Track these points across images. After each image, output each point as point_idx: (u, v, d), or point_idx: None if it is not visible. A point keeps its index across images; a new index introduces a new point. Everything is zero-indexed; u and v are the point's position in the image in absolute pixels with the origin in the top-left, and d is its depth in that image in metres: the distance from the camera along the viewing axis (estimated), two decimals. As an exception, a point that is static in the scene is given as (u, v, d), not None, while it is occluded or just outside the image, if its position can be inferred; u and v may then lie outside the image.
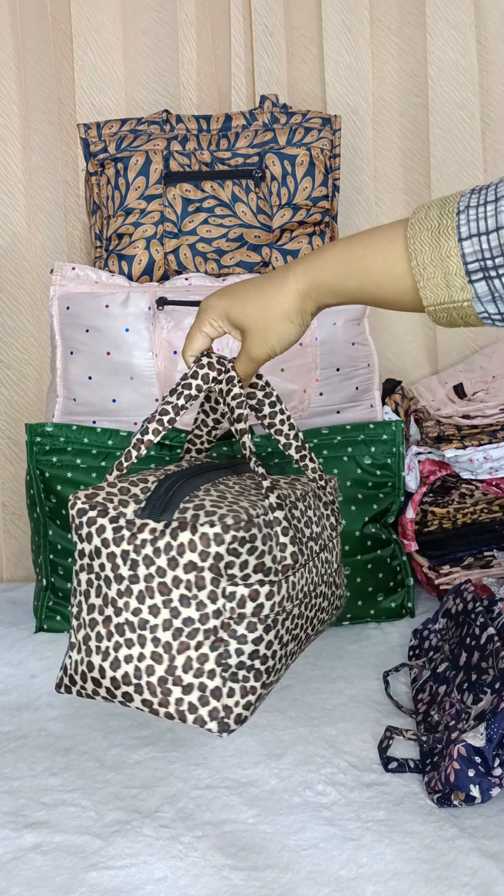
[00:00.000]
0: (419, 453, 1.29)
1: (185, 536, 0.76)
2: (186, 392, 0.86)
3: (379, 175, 1.55)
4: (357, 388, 1.30)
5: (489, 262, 0.74)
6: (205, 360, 0.88)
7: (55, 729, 1.02)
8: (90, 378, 1.26)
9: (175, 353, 1.24)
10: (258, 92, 1.50)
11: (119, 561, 0.78)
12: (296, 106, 1.52)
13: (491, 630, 0.97)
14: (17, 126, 1.49)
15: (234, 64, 1.50)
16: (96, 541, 0.79)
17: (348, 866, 0.80)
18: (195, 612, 0.76)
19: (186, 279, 1.30)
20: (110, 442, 1.21)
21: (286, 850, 0.82)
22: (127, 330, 1.25)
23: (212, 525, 0.76)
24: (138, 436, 0.86)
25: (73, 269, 1.29)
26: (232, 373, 0.87)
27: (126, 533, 0.78)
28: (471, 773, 0.84)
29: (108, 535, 0.79)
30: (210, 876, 0.79)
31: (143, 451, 0.86)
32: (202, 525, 0.76)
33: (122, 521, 0.79)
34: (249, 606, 0.77)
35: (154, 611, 0.77)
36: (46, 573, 1.23)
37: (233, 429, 0.86)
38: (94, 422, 1.26)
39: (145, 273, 1.32)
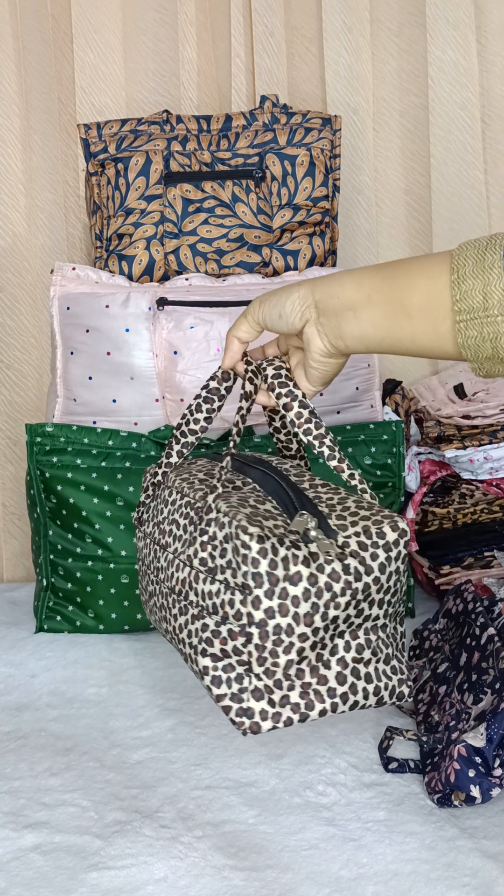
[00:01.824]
0: (419, 453, 1.29)
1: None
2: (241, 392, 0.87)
3: (379, 175, 1.55)
4: (357, 389, 1.30)
5: None
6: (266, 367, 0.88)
7: (55, 729, 1.02)
8: (90, 378, 1.26)
9: (175, 353, 1.24)
10: (258, 92, 1.50)
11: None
12: (296, 106, 1.52)
13: (491, 630, 0.97)
14: (17, 126, 1.49)
15: (234, 64, 1.50)
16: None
17: (349, 866, 0.80)
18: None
19: (187, 279, 1.30)
20: (110, 442, 1.21)
21: (286, 851, 0.82)
22: (127, 330, 1.25)
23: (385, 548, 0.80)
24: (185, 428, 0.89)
25: (74, 269, 1.29)
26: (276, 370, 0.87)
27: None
28: (471, 773, 0.84)
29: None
30: (210, 876, 0.79)
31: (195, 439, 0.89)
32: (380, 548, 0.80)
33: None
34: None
35: None
36: (46, 573, 1.23)
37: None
38: (94, 422, 1.26)
39: (145, 273, 1.32)
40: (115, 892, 0.78)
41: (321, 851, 0.82)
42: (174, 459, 0.91)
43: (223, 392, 0.89)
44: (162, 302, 1.25)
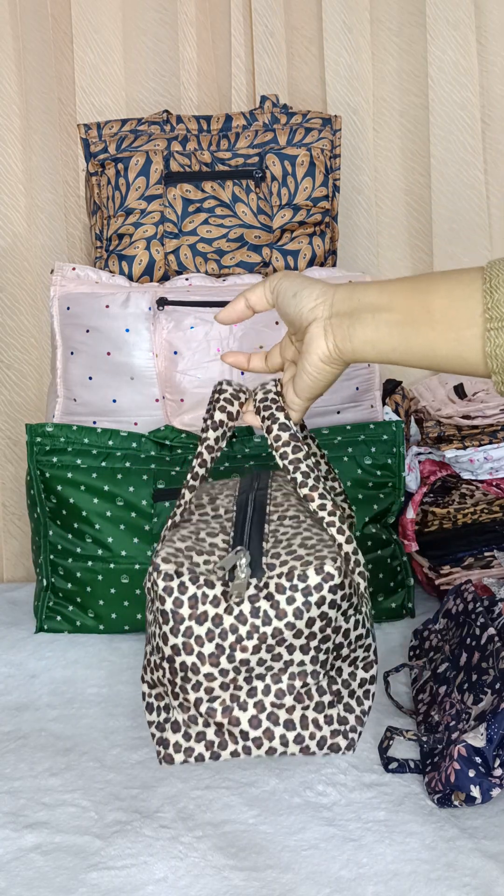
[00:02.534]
0: (419, 453, 1.29)
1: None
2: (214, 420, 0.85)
3: (379, 175, 1.55)
4: (357, 389, 1.30)
5: None
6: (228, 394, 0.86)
7: (55, 729, 1.02)
8: (90, 378, 1.26)
9: (175, 353, 1.24)
10: (258, 92, 1.50)
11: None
12: (296, 106, 1.52)
13: (491, 630, 0.97)
14: (17, 126, 1.49)
15: (234, 64, 1.50)
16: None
17: (349, 866, 0.80)
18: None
19: (187, 279, 1.30)
20: (111, 442, 1.21)
21: (286, 851, 0.82)
22: (127, 330, 1.25)
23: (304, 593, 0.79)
24: (190, 480, 0.84)
25: (74, 269, 1.29)
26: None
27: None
28: (471, 773, 0.84)
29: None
30: (210, 876, 0.79)
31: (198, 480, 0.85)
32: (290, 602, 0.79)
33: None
34: None
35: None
36: (47, 573, 1.23)
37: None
38: (94, 422, 1.26)
39: (146, 273, 1.32)
40: (115, 892, 0.78)
41: (321, 851, 0.82)
42: (200, 469, 0.86)
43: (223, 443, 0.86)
44: (162, 302, 1.25)
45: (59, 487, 1.20)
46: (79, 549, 1.21)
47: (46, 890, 0.78)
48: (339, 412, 1.30)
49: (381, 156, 1.55)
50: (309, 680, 0.78)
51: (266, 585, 0.77)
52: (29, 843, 0.84)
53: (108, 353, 1.25)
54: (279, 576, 0.77)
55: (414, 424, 1.36)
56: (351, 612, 0.79)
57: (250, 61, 1.51)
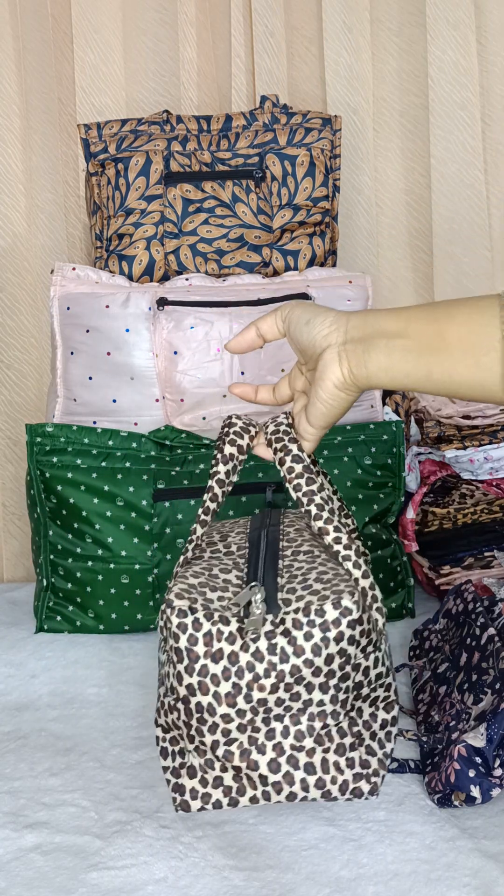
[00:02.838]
0: (419, 454, 1.29)
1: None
2: (223, 454, 0.84)
3: (379, 175, 1.55)
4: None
5: None
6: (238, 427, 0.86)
7: (55, 729, 1.02)
8: (90, 378, 1.26)
9: (175, 353, 1.24)
10: (258, 92, 1.50)
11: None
12: (296, 106, 1.52)
13: (491, 630, 0.97)
14: (17, 126, 1.49)
15: (234, 64, 1.50)
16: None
17: (349, 867, 0.80)
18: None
19: (187, 279, 1.30)
20: (111, 442, 1.21)
21: (286, 851, 0.82)
22: (127, 330, 1.25)
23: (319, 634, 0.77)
24: (202, 515, 0.83)
25: (74, 269, 1.29)
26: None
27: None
28: (471, 773, 0.84)
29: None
30: (210, 876, 0.79)
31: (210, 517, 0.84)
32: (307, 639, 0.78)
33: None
34: None
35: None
36: (47, 573, 1.23)
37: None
38: (94, 422, 1.26)
39: (146, 273, 1.32)
40: (115, 892, 0.78)
41: (321, 851, 0.82)
42: (212, 507, 0.84)
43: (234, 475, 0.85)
44: (162, 302, 1.25)
45: (59, 487, 1.20)
46: (79, 550, 1.21)
47: (46, 890, 0.78)
48: (339, 412, 1.30)
49: (381, 156, 1.55)
50: (329, 721, 0.76)
51: (282, 621, 0.74)
52: (29, 843, 0.84)
53: (108, 353, 1.25)
54: (296, 611, 0.75)
55: (414, 424, 1.36)
56: (370, 648, 0.77)
57: (250, 61, 1.51)
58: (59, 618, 1.24)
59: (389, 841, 0.83)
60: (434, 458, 1.28)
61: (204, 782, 0.77)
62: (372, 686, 0.79)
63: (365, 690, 0.78)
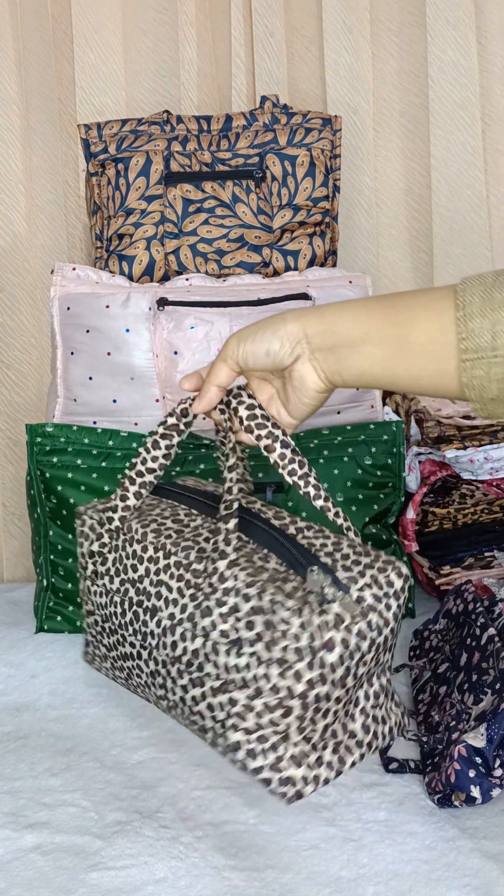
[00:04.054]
0: (420, 454, 1.29)
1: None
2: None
3: (379, 175, 1.55)
4: (357, 389, 1.30)
5: None
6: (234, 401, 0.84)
7: (55, 729, 1.02)
8: (90, 378, 1.26)
9: (175, 353, 1.24)
10: (259, 92, 1.50)
11: None
12: (296, 106, 1.52)
13: (491, 630, 0.97)
14: (17, 126, 1.49)
15: (234, 64, 1.50)
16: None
17: (349, 867, 0.80)
18: None
19: (187, 279, 1.30)
20: (111, 442, 1.21)
21: (287, 851, 0.82)
22: (127, 330, 1.25)
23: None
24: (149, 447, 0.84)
25: (74, 269, 1.29)
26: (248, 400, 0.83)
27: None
28: (471, 773, 0.84)
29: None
30: (210, 876, 0.79)
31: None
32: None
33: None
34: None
35: None
36: (47, 574, 1.23)
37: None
38: (94, 422, 1.26)
39: (146, 273, 1.32)
40: (115, 893, 0.78)
41: (321, 852, 0.82)
42: (131, 502, 0.85)
43: (182, 427, 0.84)
44: (162, 302, 1.25)
45: (60, 487, 1.20)
46: (79, 550, 1.21)
47: (46, 890, 0.78)
48: (339, 412, 1.30)
49: (381, 156, 1.55)
50: (387, 672, 0.80)
51: (362, 599, 0.75)
52: (29, 843, 0.84)
53: (109, 354, 1.25)
54: (367, 586, 0.76)
55: (414, 424, 1.36)
56: None
57: (250, 61, 1.51)
58: (59, 618, 1.24)
59: (390, 841, 0.83)
60: (434, 459, 1.28)
61: (309, 766, 0.76)
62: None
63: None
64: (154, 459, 0.85)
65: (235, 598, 0.75)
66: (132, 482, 0.85)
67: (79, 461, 1.20)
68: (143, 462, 0.85)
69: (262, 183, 1.33)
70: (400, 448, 1.23)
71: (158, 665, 0.80)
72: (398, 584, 0.77)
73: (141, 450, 0.85)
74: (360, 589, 0.76)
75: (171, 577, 0.80)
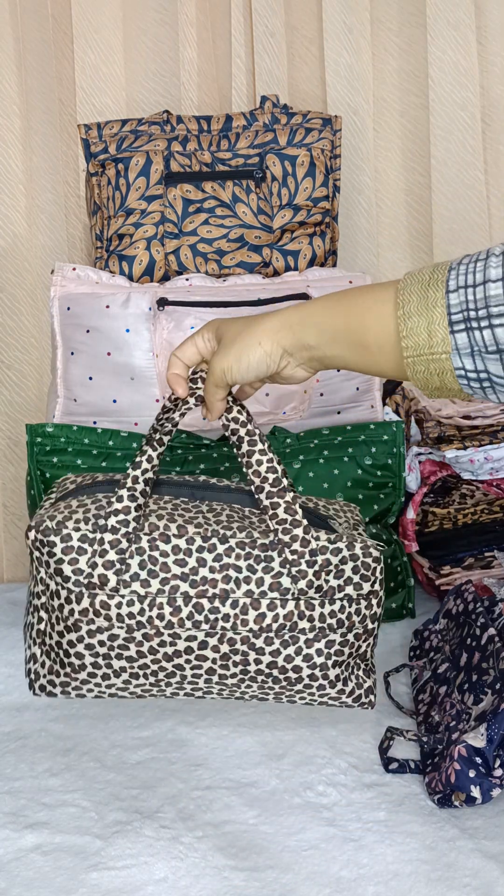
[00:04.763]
0: (420, 454, 1.29)
1: None
2: (186, 406, 0.91)
3: (379, 175, 1.55)
4: (357, 389, 1.30)
5: (472, 314, 0.75)
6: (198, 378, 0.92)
7: (56, 729, 1.02)
8: (91, 378, 1.26)
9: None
10: (259, 92, 1.50)
11: None
12: (296, 106, 1.52)
13: (492, 631, 0.97)
14: (17, 126, 1.49)
15: (234, 65, 1.50)
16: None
17: (349, 867, 0.80)
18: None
19: (187, 280, 1.30)
20: (111, 442, 1.21)
21: (287, 851, 0.82)
22: (127, 330, 1.25)
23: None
24: (146, 447, 0.91)
25: (74, 269, 1.29)
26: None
27: None
28: (471, 773, 0.84)
29: None
30: (211, 876, 0.79)
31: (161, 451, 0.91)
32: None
33: None
34: None
35: None
36: (47, 574, 1.23)
37: (246, 452, 0.91)
38: (94, 422, 1.26)
39: (146, 273, 1.32)
40: (115, 893, 0.78)
41: (321, 852, 0.82)
42: (141, 501, 0.90)
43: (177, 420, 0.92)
44: (162, 302, 1.25)
45: (60, 488, 1.20)
46: (79, 550, 1.21)
47: (46, 890, 0.78)
48: (339, 412, 1.30)
49: (381, 156, 1.55)
50: None
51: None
52: (29, 843, 0.84)
53: (109, 354, 1.25)
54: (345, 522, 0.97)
55: (414, 425, 1.36)
56: None
57: (250, 62, 1.51)
58: (59, 618, 1.24)
59: (390, 841, 0.83)
60: (434, 459, 1.28)
61: (368, 673, 0.97)
62: None
63: None
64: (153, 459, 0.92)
65: (325, 554, 0.89)
66: (136, 481, 0.90)
67: (79, 461, 1.20)
68: (150, 461, 0.90)
69: (263, 183, 1.33)
70: (400, 448, 1.23)
71: (236, 644, 0.88)
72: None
73: (148, 448, 0.90)
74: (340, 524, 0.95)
75: (238, 557, 0.88)
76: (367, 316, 0.81)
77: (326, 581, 0.88)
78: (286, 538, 0.88)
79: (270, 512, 0.89)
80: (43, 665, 0.91)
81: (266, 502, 0.89)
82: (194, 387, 0.91)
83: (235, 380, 0.88)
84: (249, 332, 0.86)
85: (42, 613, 0.91)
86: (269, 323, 0.86)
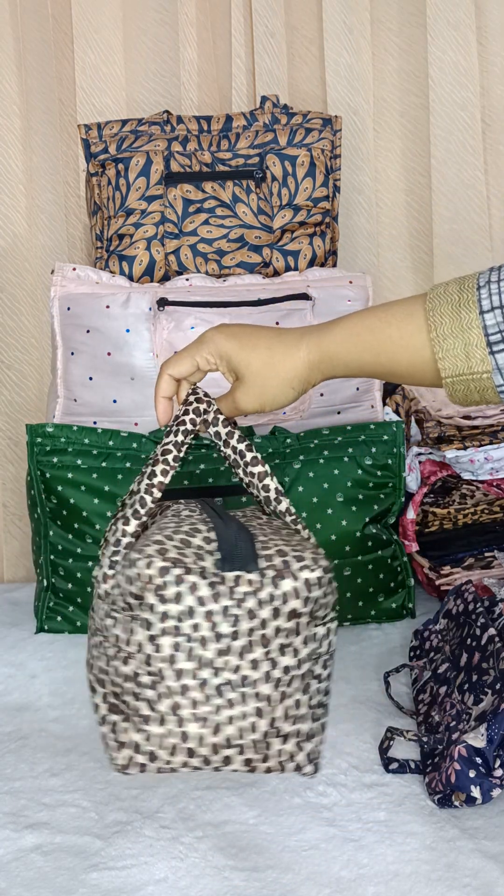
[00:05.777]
0: (420, 454, 1.29)
1: (287, 584, 0.74)
2: (183, 428, 0.84)
3: (379, 175, 1.55)
4: (357, 389, 1.30)
5: None
6: (193, 398, 0.87)
7: (56, 730, 1.02)
8: (91, 379, 1.26)
9: (175, 353, 1.24)
10: (259, 92, 1.50)
11: (218, 618, 0.74)
12: (296, 106, 1.52)
13: (492, 631, 0.97)
14: (17, 126, 1.49)
15: (234, 65, 1.50)
16: (189, 599, 0.73)
17: (349, 867, 0.80)
18: (292, 659, 0.76)
19: (187, 280, 1.30)
20: (111, 442, 1.21)
21: (287, 851, 0.82)
22: (128, 331, 1.25)
23: (311, 570, 0.75)
24: (147, 481, 0.82)
25: (74, 269, 1.29)
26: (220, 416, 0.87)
27: (222, 588, 0.74)
28: (471, 773, 0.84)
29: (204, 592, 0.73)
30: (211, 877, 0.79)
31: (159, 495, 0.82)
32: (301, 571, 0.75)
33: (211, 577, 0.74)
34: (325, 644, 0.78)
35: (255, 665, 0.75)
36: (47, 574, 1.23)
37: (247, 472, 0.86)
38: (94, 422, 1.26)
39: (146, 274, 1.32)
40: (115, 893, 0.78)
41: (322, 852, 0.82)
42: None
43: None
44: (162, 302, 1.25)
45: (60, 488, 1.20)
46: (79, 550, 1.21)
47: (46, 890, 0.78)
48: (339, 412, 1.30)
49: (381, 156, 1.55)
50: None
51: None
52: (29, 843, 0.84)
53: (109, 354, 1.25)
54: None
55: (414, 425, 1.36)
56: None
57: (250, 62, 1.51)
58: (59, 618, 1.24)
59: (390, 841, 0.83)
60: (434, 459, 1.28)
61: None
62: None
63: None
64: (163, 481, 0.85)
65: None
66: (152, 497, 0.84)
67: (79, 461, 1.20)
68: (165, 473, 0.84)
69: (263, 183, 1.33)
70: (400, 448, 1.23)
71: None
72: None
73: (171, 459, 0.84)
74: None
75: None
76: (396, 349, 0.81)
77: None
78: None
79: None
80: None
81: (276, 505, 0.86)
82: (190, 409, 0.86)
83: (264, 412, 0.88)
84: (276, 372, 0.84)
85: None
86: (296, 364, 0.84)
